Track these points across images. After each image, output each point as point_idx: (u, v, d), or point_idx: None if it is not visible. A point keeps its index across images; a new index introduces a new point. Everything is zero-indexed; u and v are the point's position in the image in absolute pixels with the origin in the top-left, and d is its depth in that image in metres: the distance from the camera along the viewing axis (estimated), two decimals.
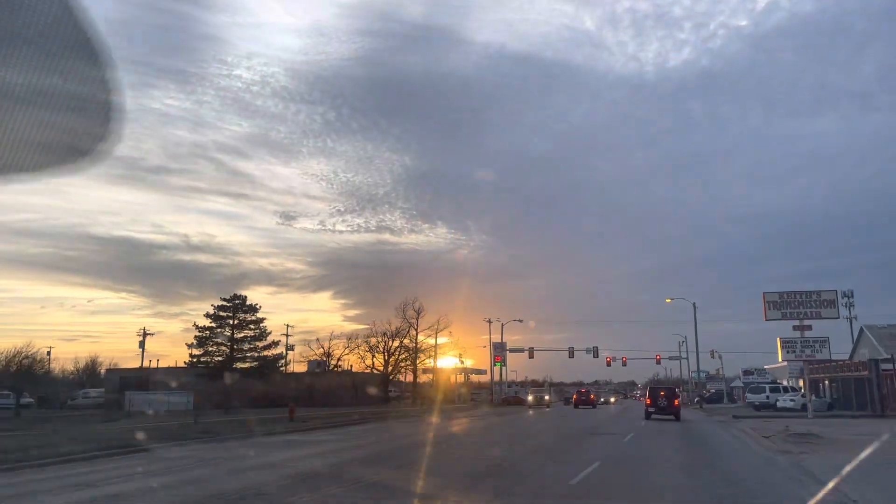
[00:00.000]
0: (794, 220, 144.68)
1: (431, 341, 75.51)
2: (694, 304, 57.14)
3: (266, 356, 50.03)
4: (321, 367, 68.24)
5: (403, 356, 73.77)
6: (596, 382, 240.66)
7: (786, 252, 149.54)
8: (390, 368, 71.67)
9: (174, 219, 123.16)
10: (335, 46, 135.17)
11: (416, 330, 67.95)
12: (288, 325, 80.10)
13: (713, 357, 78.60)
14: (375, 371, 73.54)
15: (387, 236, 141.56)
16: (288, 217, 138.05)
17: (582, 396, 70.42)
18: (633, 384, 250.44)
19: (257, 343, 49.35)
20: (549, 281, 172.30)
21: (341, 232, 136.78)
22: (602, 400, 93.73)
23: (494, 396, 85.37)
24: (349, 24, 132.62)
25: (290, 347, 79.48)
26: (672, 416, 42.18)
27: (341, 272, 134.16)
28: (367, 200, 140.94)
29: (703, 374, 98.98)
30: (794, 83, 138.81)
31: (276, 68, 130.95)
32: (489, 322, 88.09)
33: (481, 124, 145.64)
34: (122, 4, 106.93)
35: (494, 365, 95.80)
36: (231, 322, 49.06)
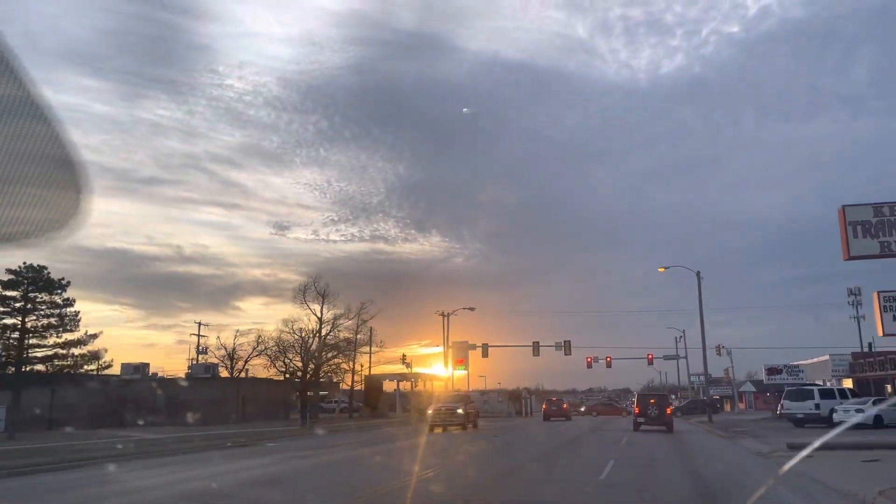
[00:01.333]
0: (788, 225, 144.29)
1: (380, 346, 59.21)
2: (698, 273, 41.33)
3: (75, 355, 33.78)
4: (209, 373, 52.07)
5: (331, 358, 57.44)
6: (590, 390, 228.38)
7: (780, 257, 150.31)
8: (309, 375, 55.11)
9: (167, 230, 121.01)
10: (327, 55, 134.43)
11: (319, 319, 51.77)
12: (199, 324, 64.13)
13: (720, 354, 62.73)
14: (295, 378, 57.16)
15: (381, 245, 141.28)
16: (281, 227, 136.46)
17: (553, 406, 54.58)
18: (628, 392, 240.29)
19: (57, 338, 33.24)
20: (544, 289, 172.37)
21: (335, 241, 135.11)
22: (582, 409, 78.00)
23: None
24: (341, 33, 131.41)
25: (201, 350, 63.42)
26: (664, 427, 37.77)
27: (335, 282, 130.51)
28: (361, 210, 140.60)
29: (700, 379, 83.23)
30: (786, 88, 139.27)
31: (267, 78, 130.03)
32: (443, 316, 71.96)
33: (474, 132, 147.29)
34: (111, 15, 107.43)
35: (458, 370, 80.00)
36: (18, 306, 33.04)
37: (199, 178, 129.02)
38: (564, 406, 54.20)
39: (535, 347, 55.16)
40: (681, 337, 73.22)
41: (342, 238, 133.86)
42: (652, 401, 40.42)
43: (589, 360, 73.49)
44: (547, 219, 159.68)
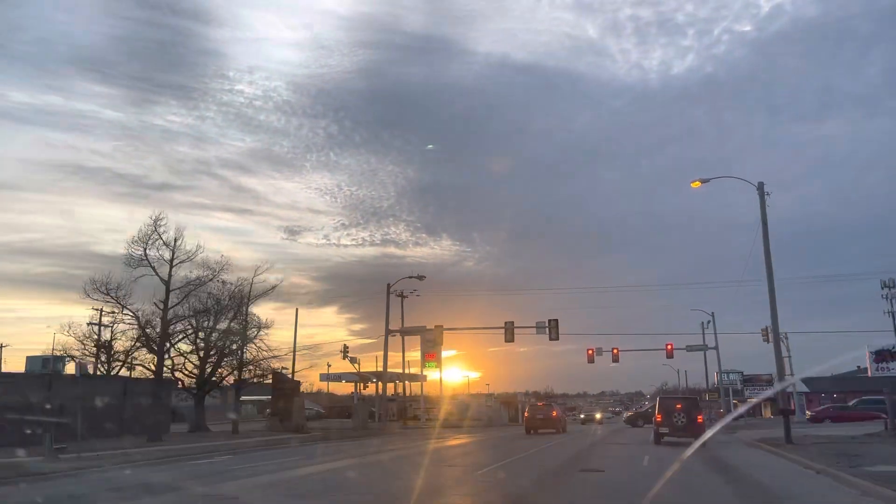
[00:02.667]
0: (801, 226, 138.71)
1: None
2: (760, 185, 24.82)
3: None
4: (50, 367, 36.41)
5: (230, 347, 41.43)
6: (602, 394, 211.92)
7: (793, 259, 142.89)
8: (186, 369, 39.10)
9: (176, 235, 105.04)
10: (336, 59, 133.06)
11: (166, 282, 35.42)
12: (101, 311, 48.12)
13: (767, 340, 45.92)
14: (190, 375, 41.09)
15: (391, 249, 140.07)
16: (292, 232, 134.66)
17: (537, 414, 37.90)
18: (640, 395, 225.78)
19: None
20: (555, 292, 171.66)
21: (346, 246, 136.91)
22: (582, 416, 61.50)
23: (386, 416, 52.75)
24: (350, 37, 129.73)
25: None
26: (690, 437, 27.60)
27: (346, 286, 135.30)
28: (372, 214, 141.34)
29: (732, 378, 66.67)
30: (798, 88, 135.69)
31: (277, 82, 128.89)
32: (400, 296, 55.89)
33: (484, 135, 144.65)
34: (121, 21, 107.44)
35: (428, 368, 64.18)
36: None
37: (211, 184, 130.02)
38: (554, 414, 37.65)
39: (509, 331, 38.87)
40: (709, 322, 56.69)
41: (353, 242, 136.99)
42: (678, 406, 31.05)
43: (590, 352, 57.26)
44: (558, 222, 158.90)
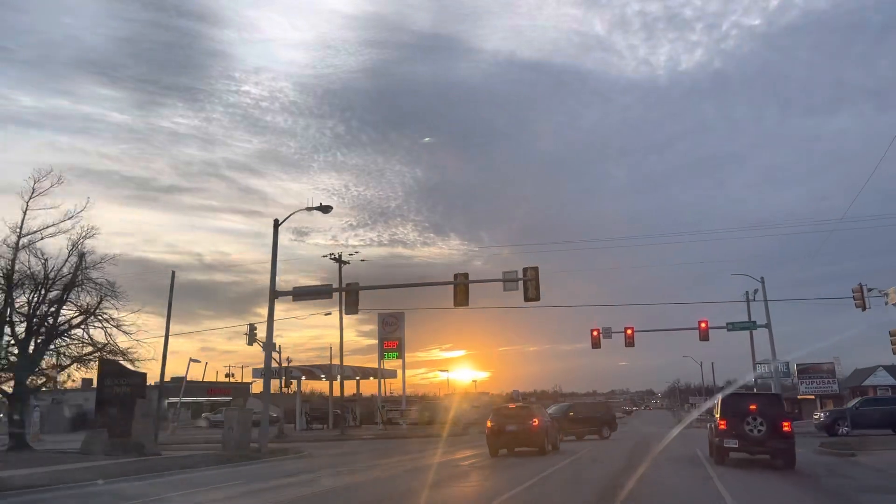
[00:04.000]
0: (812, 222, 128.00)
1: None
2: None
3: None
4: None
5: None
6: (612, 392, 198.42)
7: (804, 255, 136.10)
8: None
9: (188, 238, 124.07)
10: (343, 59, 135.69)
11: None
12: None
13: (863, 304, 31.04)
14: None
15: (400, 249, 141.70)
16: (301, 233, 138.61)
17: (508, 425, 22.23)
18: (650, 393, 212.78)
19: None
20: (566, 291, 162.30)
21: (354, 246, 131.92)
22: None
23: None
24: (356, 36, 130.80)
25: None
26: (773, 456, 18.58)
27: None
28: (379, 214, 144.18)
29: (769, 369, 51.82)
30: (809, 82, 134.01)
31: (284, 83, 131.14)
32: (338, 261, 41.63)
33: (492, 133, 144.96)
34: (127, 23, 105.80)
35: (388, 357, 50.86)
36: None
37: (219, 186, 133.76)
38: (534, 423, 21.81)
39: (461, 292, 23.86)
40: (756, 292, 41.95)
41: (361, 243, 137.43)
42: (752, 406, 18.78)
43: (595, 333, 42.90)
44: (567, 219, 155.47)
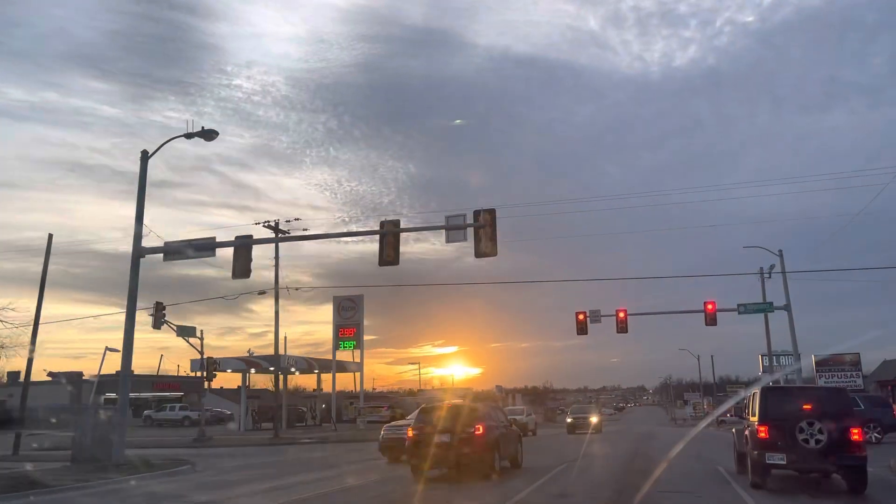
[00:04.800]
0: (804, 219, 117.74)
1: None
2: None
3: None
4: None
5: None
6: (603, 389, 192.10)
7: (796, 252, 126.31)
8: None
9: (179, 233, 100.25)
10: (336, 53, 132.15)
11: None
12: None
13: None
14: None
15: None
16: (292, 228, 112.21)
17: (439, 434, 13.95)
18: (642, 390, 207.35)
19: None
20: (556, 287, 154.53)
21: (346, 242, 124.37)
22: (569, 420, 39.98)
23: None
24: (349, 30, 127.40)
25: None
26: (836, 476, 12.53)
27: (347, 283, 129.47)
28: (372, 209, 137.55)
29: (785, 360, 45.51)
30: (802, 79, 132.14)
31: (276, 77, 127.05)
32: (274, 229, 34.81)
33: (485, 129, 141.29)
34: (118, 16, 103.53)
35: (344, 346, 44.57)
36: None
37: (210, 181, 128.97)
38: (477, 431, 13.78)
39: (389, 244, 17.01)
40: (772, 269, 35.28)
41: (353, 239, 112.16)
42: (806, 406, 12.29)
43: (581, 316, 36.34)
44: (560, 216, 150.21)
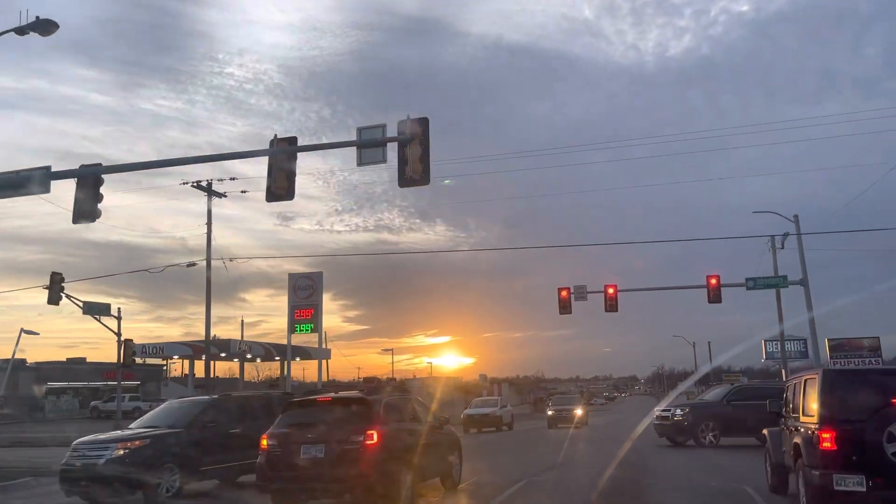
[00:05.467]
0: (797, 210, 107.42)
1: None
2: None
3: None
4: None
5: None
6: (595, 378, 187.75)
7: (788, 242, 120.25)
8: None
9: (171, 222, 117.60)
10: (328, 41, 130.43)
11: None
12: None
13: None
14: None
15: (385, 235, 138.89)
16: (285, 218, 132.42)
17: (306, 445, 8.80)
18: (634, 380, 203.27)
19: None
20: (549, 278, 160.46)
21: (339, 232, 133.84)
22: (550, 413, 35.06)
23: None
24: (343, 18, 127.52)
25: None
26: None
27: (341, 273, 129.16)
28: (365, 199, 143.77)
29: (796, 346, 40.67)
30: (796, 70, 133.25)
31: (268, 65, 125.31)
32: (205, 190, 29.53)
33: (479, 119, 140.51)
34: (108, 2, 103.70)
35: (301, 328, 39.89)
36: None
37: (202, 169, 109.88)
38: (364, 442, 8.71)
39: (281, 176, 12.12)
40: (785, 237, 30.42)
41: (347, 228, 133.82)
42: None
43: (564, 294, 31.68)
44: (553, 207, 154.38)
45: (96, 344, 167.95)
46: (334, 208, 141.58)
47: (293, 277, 39.99)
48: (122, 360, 29.24)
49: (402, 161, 11.92)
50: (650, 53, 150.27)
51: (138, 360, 52.25)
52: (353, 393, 10.46)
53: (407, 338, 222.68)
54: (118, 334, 29.30)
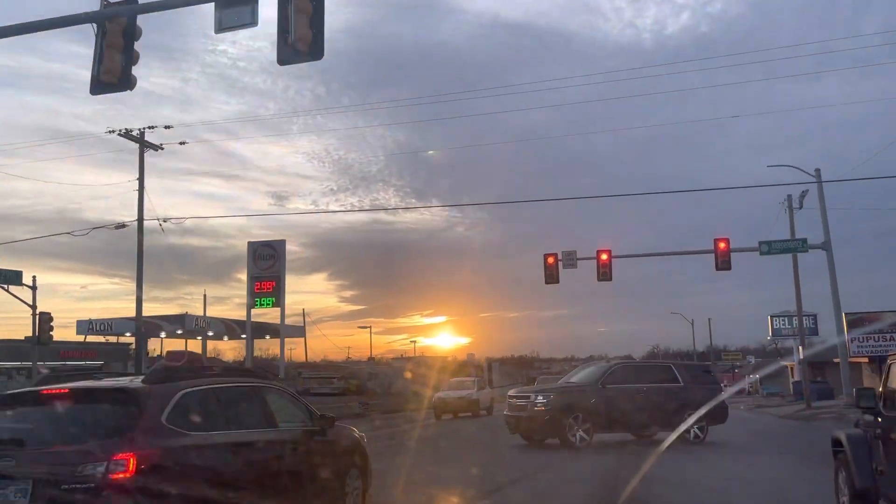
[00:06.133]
0: (794, 189, 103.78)
1: None
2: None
3: None
4: None
5: None
6: (591, 358, 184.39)
7: (785, 222, 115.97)
8: None
9: (165, 202, 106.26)
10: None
11: None
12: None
13: None
14: None
15: (381, 215, 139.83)
16: (280, 197, 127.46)
17: None
18: (629, 359, 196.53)
19: None
20: (535, 257, 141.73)
21: (334, 212, 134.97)
22: (440, 395, 30.28)
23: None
24: None
25: None
26: None
27: (336, 253, 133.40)
28: (361, 179, 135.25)
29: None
30: (795, 47, 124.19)
31: (262, 42, 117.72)
32: (138, 140, 25.19)
33: (476, 97, 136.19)
34: None
35: (261, 302, 35.81)
36: None
37: (197, 149, 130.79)
38: (117, 476, 4.51)
39: (105, 46, 8.24)
40: (805, 195, 26.50)
41: (342, 208, 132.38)
42: None
43: (550, 260, 27.81)
44: (551, 186, 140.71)
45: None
46: (329, 188, 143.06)
47: (253, 245, 36.09)
48: (37, 336, 25.34)
49: (284, 25, 7.88)
50: (648, 31, 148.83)
51: (91, 339, 48.59)
52: (113, 382, 5.75)
53: (403, 318, 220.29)
54: (33, 307, 25.36)
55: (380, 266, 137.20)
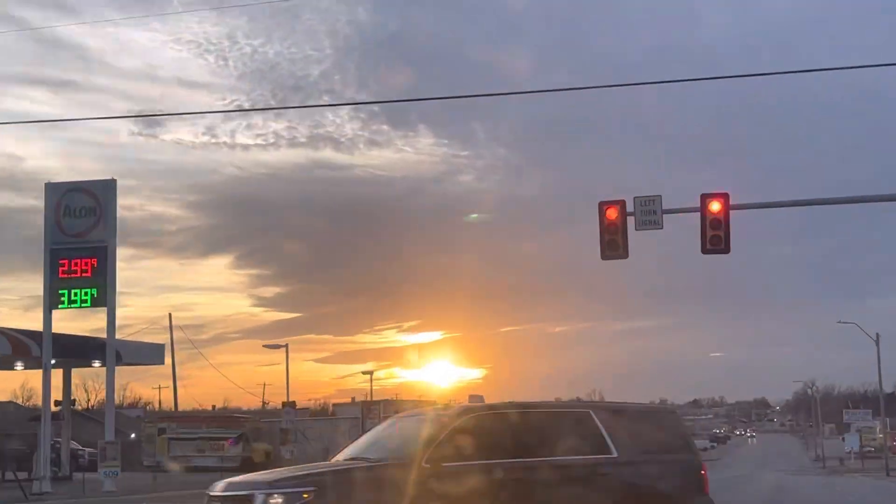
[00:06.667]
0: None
1: None
2: None
3: None
4: None
5: None
6: (694, 402, 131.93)
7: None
8: None
9: None
10: None
11: None
12: None
13: None
14: None
15: (328, 153, 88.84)
16: (150, 123, 74.24)
17: None
18: (763, 403, 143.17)
19: None
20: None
21: (246, 147, 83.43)
22: None
23: None
24: None
25: None
26: None
27: (248, 221, 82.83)
28: (292, 89, 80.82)
29: None
30: None
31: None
32: None
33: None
34: None
35: None
36: None
37: (5, 37, 68.87)
38: None
39: None
40: None
41: (259, 141, 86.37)
42: None
43: (611, 213, 14.88)
44: (603, 109, 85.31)
45: None
46: (237, 103, 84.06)
47: (53, 189, 21.17)
48: None
49: None
50: None
51: None
52: None
53: (366, 334, 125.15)
54: None
55: (327, 244, 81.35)
